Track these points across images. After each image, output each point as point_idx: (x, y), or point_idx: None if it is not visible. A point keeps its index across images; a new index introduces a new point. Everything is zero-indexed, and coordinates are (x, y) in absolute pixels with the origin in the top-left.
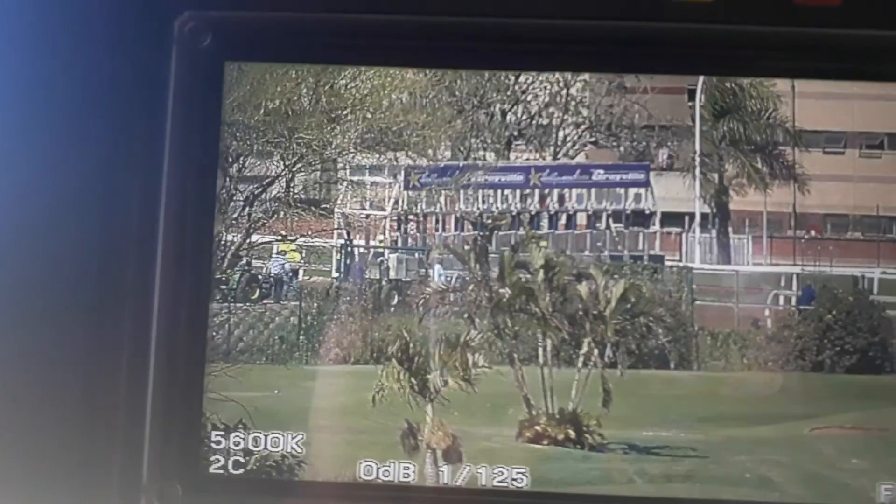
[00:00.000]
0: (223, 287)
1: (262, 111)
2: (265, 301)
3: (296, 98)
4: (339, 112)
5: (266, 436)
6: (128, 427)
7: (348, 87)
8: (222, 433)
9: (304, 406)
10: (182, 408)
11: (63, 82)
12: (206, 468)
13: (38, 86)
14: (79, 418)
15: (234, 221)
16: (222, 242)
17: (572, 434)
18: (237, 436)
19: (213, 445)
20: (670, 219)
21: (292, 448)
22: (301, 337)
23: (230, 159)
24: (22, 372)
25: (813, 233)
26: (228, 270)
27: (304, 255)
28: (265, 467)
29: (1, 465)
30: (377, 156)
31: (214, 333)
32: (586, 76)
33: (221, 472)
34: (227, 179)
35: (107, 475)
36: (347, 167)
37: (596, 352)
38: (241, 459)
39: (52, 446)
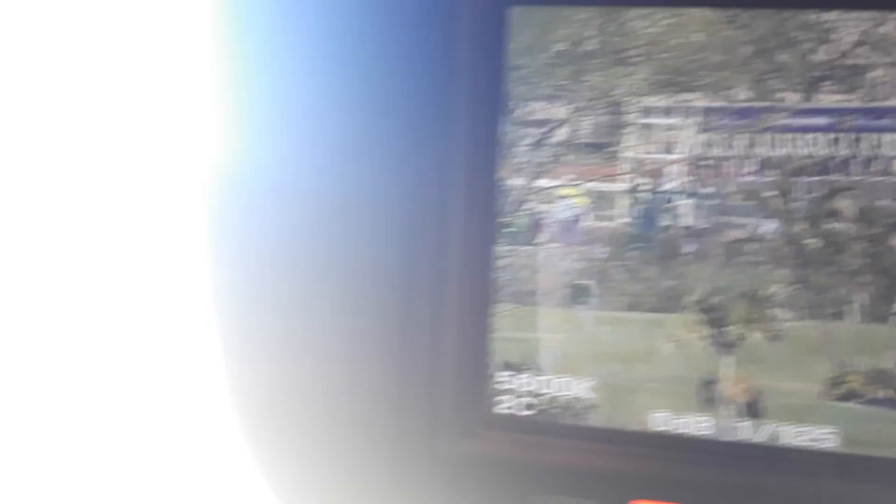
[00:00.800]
0: (508, 230)
1: (548, 54)
2: (550, 245)
3: (583, 39)
4: (629, 53)
5: (555, 378)
6: (426, 366)
7: (639, 26)
8: (511, 373)
9: (592, 350)
10: (472, 348)
11: (348, 33)
12: (495, 407)
13: (320, 45)
14: (379, 363)
15: (519, 166)
16: (507, 186)
17: (889, 394)
18: (525, 377)
19: (502, 385)
20: None
21: (581, 392)
22: (588, 281)
23: (515, 103)
24: (330, 318)
25: None
26: (513, 214)
27: (590, 199)
28: (553, 409)
29: (319, 409)
30: (669, 97)
31: (501, 275)
32: None
33: (510, 411)
34: (512, 124)
35: (408, 415)
36: (636, 110)
37: None
38: (530, 400)
39: (360, 388)
